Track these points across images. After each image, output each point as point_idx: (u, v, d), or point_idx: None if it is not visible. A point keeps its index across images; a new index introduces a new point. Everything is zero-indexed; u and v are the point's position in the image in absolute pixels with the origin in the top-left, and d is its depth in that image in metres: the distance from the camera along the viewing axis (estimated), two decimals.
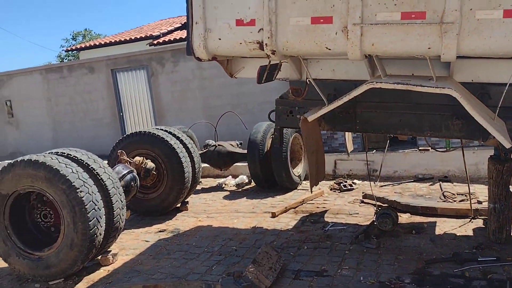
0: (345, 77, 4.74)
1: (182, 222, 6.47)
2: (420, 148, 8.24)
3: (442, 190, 7.04)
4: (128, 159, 6.34)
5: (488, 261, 4.32)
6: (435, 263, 4.41)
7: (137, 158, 6.42)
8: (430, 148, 8.16)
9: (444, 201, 6.46)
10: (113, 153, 6.80)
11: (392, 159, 8.21)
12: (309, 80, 4.62)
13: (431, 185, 7.54)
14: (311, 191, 5.04)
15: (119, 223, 5.01)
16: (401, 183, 7.76)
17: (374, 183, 7.84)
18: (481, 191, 6.85)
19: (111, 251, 5.18)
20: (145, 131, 6.76)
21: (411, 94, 4.47)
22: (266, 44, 4.14)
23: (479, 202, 6.17)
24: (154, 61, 13.32)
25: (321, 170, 5.03)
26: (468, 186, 5.66)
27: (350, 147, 6.74)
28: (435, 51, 3.68)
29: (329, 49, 4.00)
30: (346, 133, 6.63)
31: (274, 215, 6.34)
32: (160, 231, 6.14)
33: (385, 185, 7.69)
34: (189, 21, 4.44)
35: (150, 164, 6.51)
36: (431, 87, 3.66)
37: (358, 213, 6.23)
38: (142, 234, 6.11)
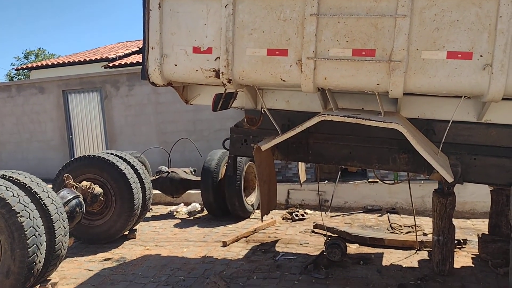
0: (298, 108, 4.82)
1: (129, 251, 6.24)
2: (369, 180, 8.46)
3: (389, 222, 7.22)
4: (75, 184, 6.10)
5: None
6: None
7: (84, 183, 6.20)
8: (378, 180, 8.41)
9: (391, 232, 6.61)
10: (59, 176, 6.53)
11: (343, 190, 8.36)
12: (264, 110, 4.67)
13: (379, 216, 7.72)
14: (262, 220, 5.03)
15: (61, 250, 4.77)
16: (351, 213, 7.90)
17: (325, 213, 7.94)
18: (427, 224, 7.08)
19: (50, 280, 4.89)
20: (94, 155, 6.56)
21: (361, 127, 4.60)
22: (222, 72, 4.17)
23: (425, 234, 6.36)
24: (109, 84, 13.08)
25: (272, 200, 5.04)
26: (414, 218, 5.84)
27: (303, 177, 6.82)
28: (384, 87, 3.84)
29: (284, 81, 4.08)
30: (299, 163, 6.72)
31: (225, 244, 6.25)
32: (105, 260, 5.88)
33: (335, 216, 7.80)
34: (145, 45, 4.41)
35: (97, 189, 6.29)
36: (378, 121, 3.79)
37: (308, 243, 6.25)
38: (85, 262, 5.83)
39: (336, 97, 4.59)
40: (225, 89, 4.54)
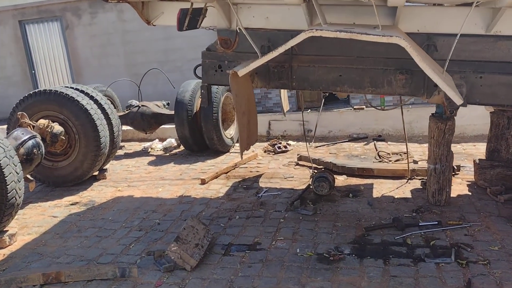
0: (280, 26, 4.16)
1: (98, 193, 5.73)
2: (354, 107, 7.96)
3: (376, 150, 6.82)
4: (31, 123, 5.43)
5: (429, 225, 4.08)
6: (375, 230, 4.10)
7: (42, 121, 5.52)
8: (364, 107, 7.93)
9: (380, 161, 6.23)
10: (13, 115, 5.83)
11: (327, 118, 7.86)
12: (239, 29, 3.98)
13: (365, 144, 7.31)
14: (241, 157, 4.52)
15: (15, 198, 4.22)
16: (336, 143, 7.47)
17: (309, 143, 7.49)
18: (415, 150, 6.72)
19: (8, 231, 4.38)
20: (51, 90, 5.81)
21: (353, 46, 4.02)
22: None
23: (415, 162, 6.00)
24: (69, 12, 11.92)
25: (253, 133, 4.50)
26: (406, 145, 5.42)
27: (286, 106, 6.27)
28: None
29: None
30: (282, 91, 6.12)
31: (203, 182, 5.78)
32: (71, 204, 5.37)
33: (320, 146, 7.36)
34: None
35: (57, 127, 5.63)
36: (377, 35, 3.17)
37: (293, 177, 5.83)
38: (50, 208, 5.31)
39: (324, 11, 3.92)
40: (191, 4, 3.81)
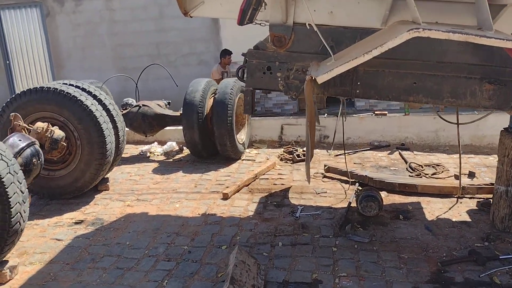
0: (346, 23, 3.53)
1: (104, 209, 4.94)
2: (376, 112, 7.41)
3: (405, 161, 6.31)
4: (26, 126, 4.59)
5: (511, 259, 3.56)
6: (452, 265, 3.54)
7: (40, 124, 4.69)
8: (386, 112, 7.40)
9: (418, 175, 5.69)
10: (3, 117, 4.97)
11: (345, 124, 7.26)
12: (309, 24, 3.30)
13: (389, 153, 6.79)
14: (309, 181, 3.82)
15: (19, 224, 3.42)
16: (357, 151, 6.91)
17: (328, 151, 6.91)
18: (447, 162, 6.24)
19: (7, 261, 3.57)
20: (49, 87, 4.98)
21: (432, 49, 3.43)
22: None
23: (456, 177, 5.48)
24: None
25: (312, 146, 3.85)
26: (460, 161, 4.86)
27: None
28: None
29: None
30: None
31: (226, 197, 5.08)
32: (75, 223, 4.57)
33: (340, 154, 6.78)
34: None
35: (58, 132, 4.82)
36: (499, 39, 2.58)
37: (326, 192, 5.22)
38: (50, 228, 4.50)
39: (398, 7, 3.33)
40: None
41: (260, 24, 3.65)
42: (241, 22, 3.22)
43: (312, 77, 3.03)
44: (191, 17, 3.79)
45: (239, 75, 3.91)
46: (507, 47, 2.62)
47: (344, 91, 3.67)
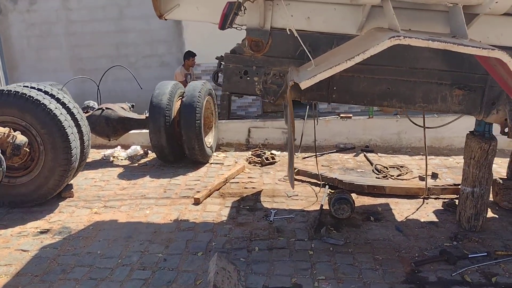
0: (323, 29, 3.57)
1: (70, 217, 4.74)
2: (341, 115, 7.55)
3: (371, 163, 6.46)
4: None
5: (480, 258, 3.71)
6: (425, 265, 3.65)
7: (0, 130, 4.45)
8: (351, 115, 7.55)
9: (384, 176, 5.85)
10: None
11: (311, 127, 7.34)
12: (289, 30, 3.30)
13: (355, 155, 6.93)
14: (292, 186, 3.86)
15: None
16: (323, 153, 7.01)
17: (295, 154, 6.96)
18: (409, 163, 6.45)
19: None
20: (10, 90, 4.74)
21: (405, 56, 3.54)
22: None
23: (421, 179, 5.67)
24: None
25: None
26: (426, 163, 5.03)
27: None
28: None
29: None
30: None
31: (197, 202, 5.01)
32: (41, 233, 4.36)
33: (308, 157, 6.86)
34: None
35: (20, 137, 4.60)
36: (476, 47, 2.68)
37: (297, 195, 5.26)
38: (14, 238, 4.26)
39: (374, 15, 3.41)
40: None
41: (236, 28, 3.62)
42: (223, 26, 3.19)
43: (294, 83, 3.05)
44: (166, 19, 3.71)
45: (214, 79, 3.87)
46: (482, 55, 2.73)
47: (321, 95, 3.72)
